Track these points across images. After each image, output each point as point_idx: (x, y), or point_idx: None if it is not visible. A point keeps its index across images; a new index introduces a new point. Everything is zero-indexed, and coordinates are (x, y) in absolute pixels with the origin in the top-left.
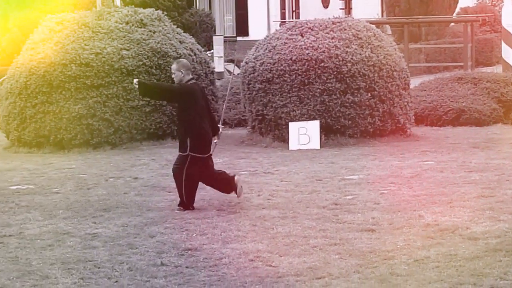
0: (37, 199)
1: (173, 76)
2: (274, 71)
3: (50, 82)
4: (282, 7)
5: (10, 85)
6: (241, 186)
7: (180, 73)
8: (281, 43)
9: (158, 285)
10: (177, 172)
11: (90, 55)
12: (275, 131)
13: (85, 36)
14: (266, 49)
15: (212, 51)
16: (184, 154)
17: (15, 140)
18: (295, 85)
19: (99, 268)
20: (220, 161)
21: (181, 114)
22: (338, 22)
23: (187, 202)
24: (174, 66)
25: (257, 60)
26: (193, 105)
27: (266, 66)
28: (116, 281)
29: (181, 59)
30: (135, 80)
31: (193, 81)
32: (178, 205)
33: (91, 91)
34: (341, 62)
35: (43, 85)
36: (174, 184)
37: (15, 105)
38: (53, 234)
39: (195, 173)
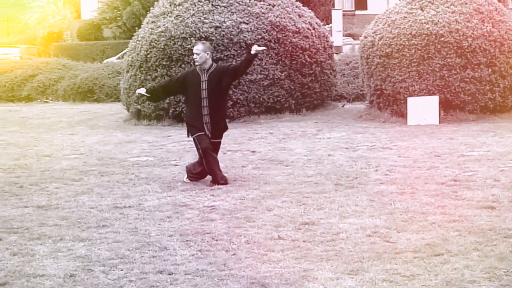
0: (156, 171)
1: (196, 57)
2: (393, 46)
3: (170, 56)
4: None
5: (131, 58)
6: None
7: (206, 55)
8: (401, 17)
9: (275, 259)
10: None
11: (210, 29)
12: (393, 106)
13: (204, 9)
14: (385, 23)
15: (330, 25)
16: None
17: (135, 112)
18: (414, 60)
19: (216, 240)
20: (338, 135)
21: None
22: None
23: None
24: (200, 47)
25: (376, 35)
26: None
27: (385, 40)
28: (233, 254)
29: (205, 41)
30: (141, 91)
31: (215, 65)
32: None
33: None
34: (461, 37)
35: (163, 58)
36: (291, 158)
37: (136, 78)
38: (171, 206)
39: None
